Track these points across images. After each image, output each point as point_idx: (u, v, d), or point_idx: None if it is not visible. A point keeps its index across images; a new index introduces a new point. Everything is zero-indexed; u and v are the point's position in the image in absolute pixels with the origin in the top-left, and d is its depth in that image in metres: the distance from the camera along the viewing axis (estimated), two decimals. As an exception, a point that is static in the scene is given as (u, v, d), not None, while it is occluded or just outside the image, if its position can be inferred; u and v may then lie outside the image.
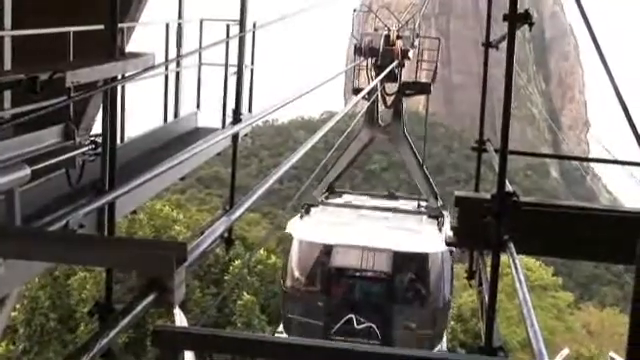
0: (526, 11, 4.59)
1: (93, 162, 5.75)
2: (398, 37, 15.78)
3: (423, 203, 15.59)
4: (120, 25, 5.91)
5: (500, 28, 5.90)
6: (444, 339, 13.63)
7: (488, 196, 4.81)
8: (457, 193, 5.75)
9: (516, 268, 4.09)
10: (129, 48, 9.30)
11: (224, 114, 9.50)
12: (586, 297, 60.32)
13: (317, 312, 12.84)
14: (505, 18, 4.48)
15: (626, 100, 5.15)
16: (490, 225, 4.51)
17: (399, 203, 16.04)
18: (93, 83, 5.72)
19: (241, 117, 9.00)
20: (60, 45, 6.85)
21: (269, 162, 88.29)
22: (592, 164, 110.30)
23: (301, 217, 14.36)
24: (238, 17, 8.85)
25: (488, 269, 5.70)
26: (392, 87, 15.93)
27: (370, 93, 13.96)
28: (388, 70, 14.04)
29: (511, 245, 4.39)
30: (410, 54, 15.74)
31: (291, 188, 75.60)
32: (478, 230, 5.33)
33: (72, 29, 6.94)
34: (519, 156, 9.11)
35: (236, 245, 32.06)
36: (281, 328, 13.65)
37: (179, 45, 10.04)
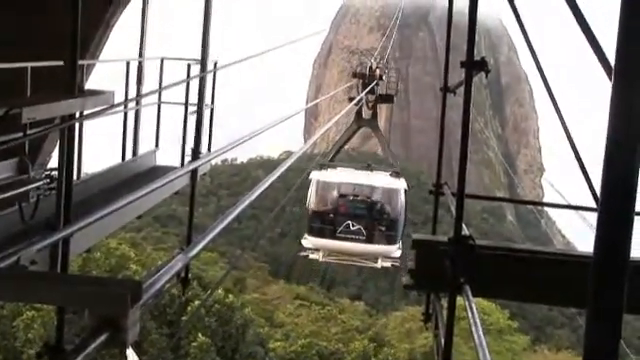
0: (482, 59, 4.69)
1: (48, 197, 5.62)
2: (377, 67, 26.27)
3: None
4: (80, 62, 5.86)
5: (458, 74, 6.02)
6: (399, 240, 22.05)
7: (445, 239, 4.84)
8: (414, 236, 5.79)
9: (472, 311, 4.11)
10: (88, 85, 9.24)
11: (183, 153, 9.43)
12: (542, 339, 60.62)
13: (329, 221, 21.84)
14: (462, 65, 4.57)
15: (578, 146, 5.28)
16: (446, 268, 4.53)
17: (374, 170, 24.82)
18: (51, 119, 5.64)
19: (200, 156, 8.90)
20: (18, 80, 6.75)
21: (228, 201, 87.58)
22: (546, 208, 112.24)
23: (318, 170, 23.12)
24: (199, 56, 8.86)
25: (445, 312, 5.70)
26: (371, 97, 25.85)
27: (359, 101, 22.99)
28: (371, 87, 24.71)
29: (467, 288, 4.41)
30: (384, 78, 26.55)
31: (249, 228, 74.99)
32: (435, 273, 5.36)
33: (30, 64, 6.85)
34: (476, 199, 9.33)
35: (193, 285, 31.53)
36: (306, 235, 22.22)
37: (139, 83, 9.99)
